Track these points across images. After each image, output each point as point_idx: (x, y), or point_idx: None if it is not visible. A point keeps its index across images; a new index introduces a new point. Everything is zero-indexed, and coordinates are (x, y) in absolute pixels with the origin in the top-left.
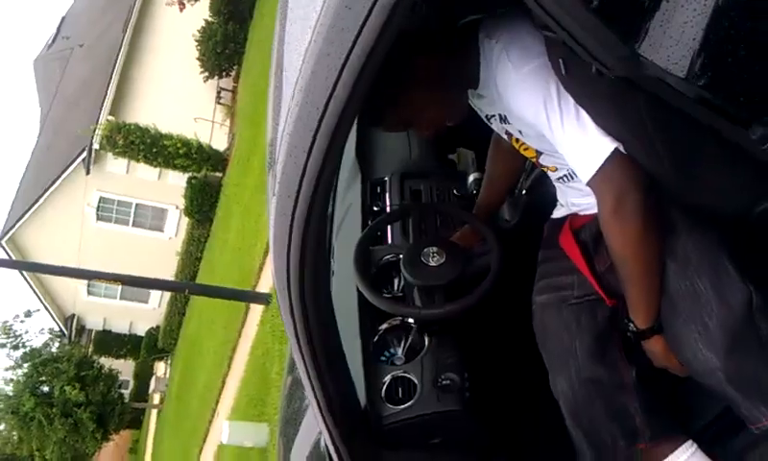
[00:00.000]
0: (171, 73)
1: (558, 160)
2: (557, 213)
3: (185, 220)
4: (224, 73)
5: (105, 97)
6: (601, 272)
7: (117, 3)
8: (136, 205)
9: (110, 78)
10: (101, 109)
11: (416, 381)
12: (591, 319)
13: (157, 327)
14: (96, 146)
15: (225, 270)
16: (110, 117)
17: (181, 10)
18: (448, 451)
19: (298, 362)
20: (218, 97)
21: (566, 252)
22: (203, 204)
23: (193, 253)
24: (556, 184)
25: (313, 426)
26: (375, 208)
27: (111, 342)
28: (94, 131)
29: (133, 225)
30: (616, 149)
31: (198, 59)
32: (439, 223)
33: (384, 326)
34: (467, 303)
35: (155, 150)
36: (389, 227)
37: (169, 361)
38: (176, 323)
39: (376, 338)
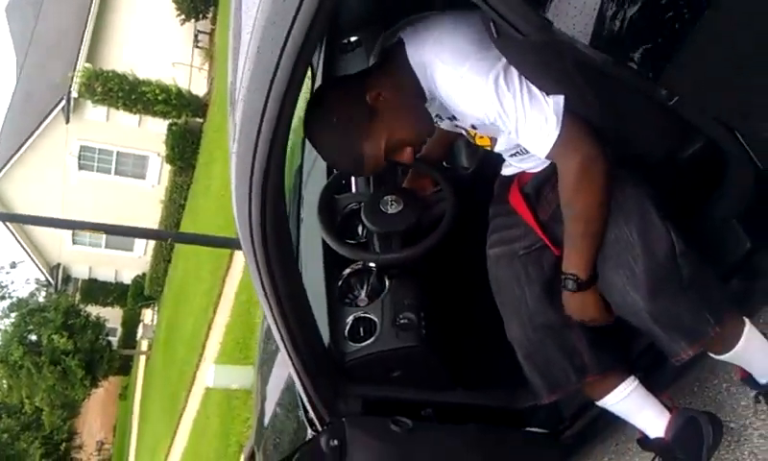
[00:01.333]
0: (147, 17)
1: (512, 141)
2: (506, 171)
3: (167, 167)
4: (200, 15)
5: (81, 44)
6: (545, 221)
7: None
8: (118, 153)
9: (86, 24)
10: (77, 57)
11: (376, 321)
12: (539, 268)
13: (143, 274)
14: (75, 94)
15: (209, 216)
16: (88, 64)
17: None
18: (407, 384)
19: (264, 306)
20: (195, 40)
21: (515, 208)
22: (184, 150)
23: (176, 200)
24: (508, 159)
25: (285, 365)
26: None
27: (98, 290)
28: (72, 78)
29: (116, 173)
30: (566, 114)
31: (173, 0)
32: (400, 171)
33: (348, 270)
34: (422, 248)
35: (133, 97)
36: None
37: (156, 308)
38: (161, 270)
39: (341, 282)
